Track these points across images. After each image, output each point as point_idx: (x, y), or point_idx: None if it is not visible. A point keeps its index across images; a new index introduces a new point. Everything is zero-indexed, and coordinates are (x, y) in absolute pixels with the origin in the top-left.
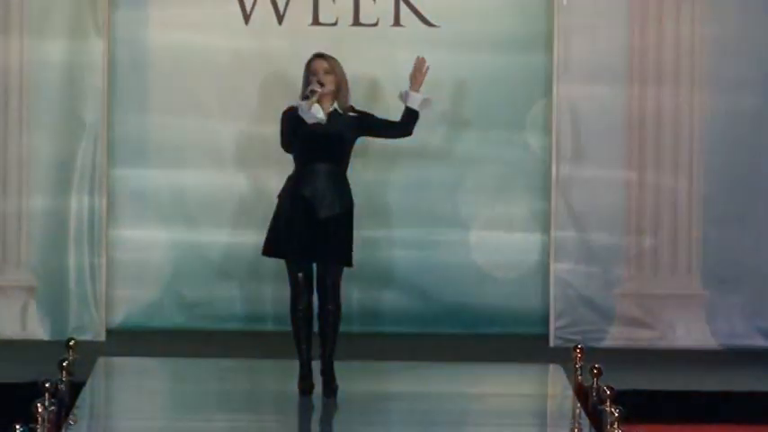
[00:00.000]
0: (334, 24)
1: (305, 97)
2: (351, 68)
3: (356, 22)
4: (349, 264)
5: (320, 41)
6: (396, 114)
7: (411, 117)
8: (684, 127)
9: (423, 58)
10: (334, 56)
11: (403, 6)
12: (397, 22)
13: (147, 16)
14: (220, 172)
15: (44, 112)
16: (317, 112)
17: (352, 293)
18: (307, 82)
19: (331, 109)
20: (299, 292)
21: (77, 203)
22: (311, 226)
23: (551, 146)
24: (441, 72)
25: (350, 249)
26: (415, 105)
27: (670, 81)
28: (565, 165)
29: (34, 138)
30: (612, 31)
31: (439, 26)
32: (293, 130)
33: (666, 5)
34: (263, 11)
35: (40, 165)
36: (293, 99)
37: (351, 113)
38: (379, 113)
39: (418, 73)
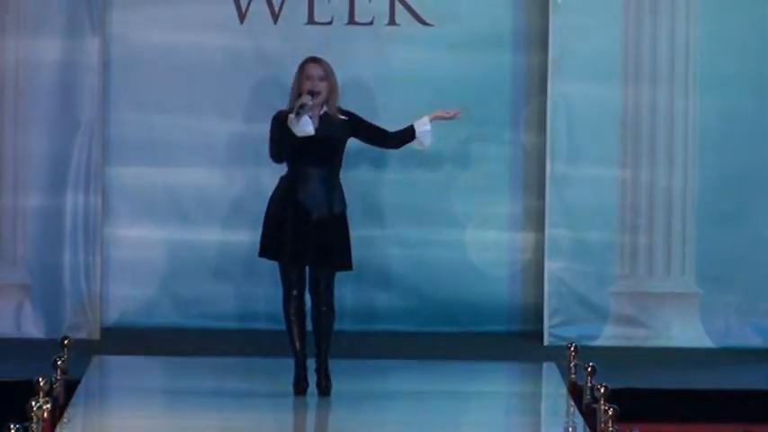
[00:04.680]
0: (330, 23)
1: (297, 112)
2: (346, 67)
3: (351, 21)
4: (348, 267)
5: (315, 40)
6: (386, 113)
7: (408, 139)
8: (679, 125)
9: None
10: (328, 55)
11: (398, 5)
12: (392, 21)
13: (143, 15)
14: (215, 170)
15: (39, 110)
16: (305, 125)
17: (347, 292)
18: (299, 86)
19: (321, 113)
20: (291, 291)
21: (72, 201)
22: (304, 229)
23: (546, 144)
24: (435, 70)
25: (348, 253)
26: (423, 136)
27: (664, 79)
28: (559, 163)
29: (29, 136)
30: (607, 30)
31: (434, 25)
32: (282, 140)
33: (660, 4)
34: (259, 10)
35: (36, 163)
36: (288, 98)
37: (340, 116)
38: (371, 113)
39: (445, 115)
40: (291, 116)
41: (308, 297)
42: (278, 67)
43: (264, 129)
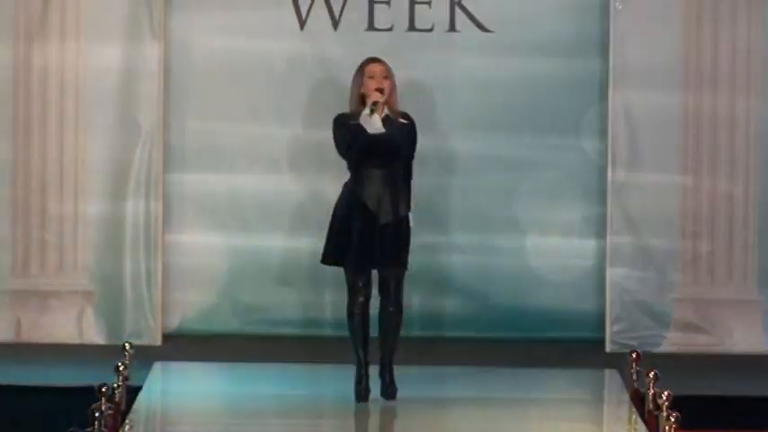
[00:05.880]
0: (390, 30)
1: (371, 110)
2: (406, 74)
3: (411, 28)
4: (405, 268)
5: (375, 47)
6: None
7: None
8: (740, 131)
9: None
10: (388, 61)
11: (458, 12)
12: (452, 28)
13: (203, 21)
14: (276, 177)
15: (100, 116)
16: (376, 123)
17: (411, 298)
18: (360, 85)
19: (383, 115)
20: (358, 298)
21: (133, 208)
22: (370, 232)
23: (607, 151)
24: (496, 77)
25: (406, 252)
26: None
27: (725, 85)
28: (620, 169)
29: (90, 142)
30: (668, 36)
31: (494, 31)
32: (353, 138)
33: (721, 10)
34: (319, 16)
35: (97, 169)
36: (348, 104)
37: (402, 120)
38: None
39: None
40: (365, 113)
41: (373, 302)
42: (338, 73)
43: (325, 135)
